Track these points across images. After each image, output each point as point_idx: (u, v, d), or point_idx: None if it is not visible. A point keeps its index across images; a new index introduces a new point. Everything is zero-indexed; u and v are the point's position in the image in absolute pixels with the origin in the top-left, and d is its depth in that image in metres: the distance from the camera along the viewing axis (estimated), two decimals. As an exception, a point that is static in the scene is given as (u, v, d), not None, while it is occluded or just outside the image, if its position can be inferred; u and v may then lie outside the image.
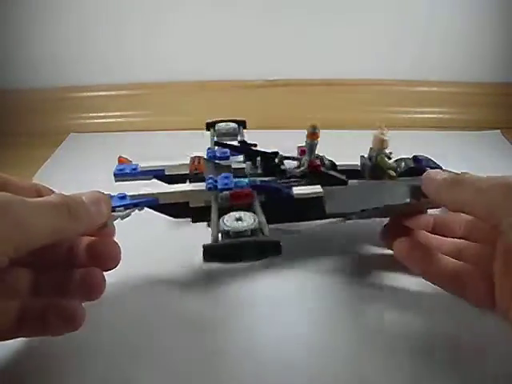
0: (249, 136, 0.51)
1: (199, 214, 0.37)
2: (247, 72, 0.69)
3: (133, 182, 0.43)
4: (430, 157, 0.44)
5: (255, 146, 0.43)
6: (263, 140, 0.60)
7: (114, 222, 0.35)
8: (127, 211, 0.36)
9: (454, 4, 0.64)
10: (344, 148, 0.57)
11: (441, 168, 0.43)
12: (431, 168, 0.42)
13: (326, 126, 0.65)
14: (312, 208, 0.38)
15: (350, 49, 0.68)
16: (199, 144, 0.53)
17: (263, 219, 0.32)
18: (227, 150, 0.43)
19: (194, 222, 0.39)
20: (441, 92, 0.68)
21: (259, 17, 0.66)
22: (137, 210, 0.37)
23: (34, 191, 0.32)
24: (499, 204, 0.27)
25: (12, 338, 0.30)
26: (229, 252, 0.29)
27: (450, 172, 0.37)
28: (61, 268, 0.32)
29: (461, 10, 0.64)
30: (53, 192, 0.34)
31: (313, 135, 0.40)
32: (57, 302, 0.31)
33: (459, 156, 0.59)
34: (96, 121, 0.70)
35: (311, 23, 0.66)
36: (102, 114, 0.70)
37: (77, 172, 0.58)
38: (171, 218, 0.39)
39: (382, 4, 0.65)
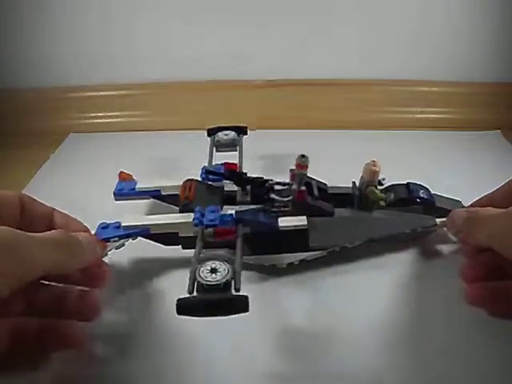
0: (249, 136, 0.52)
1: (189, 243, 0.39)
2: (247, 72, 0.69)
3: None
4: (423, 184, 0.44)
5: (245, 174, 0.44)
6: (263, 140, 0.60)
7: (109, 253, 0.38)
8: (121, 241, 0.39)
9: (454, 4, 0.64)
10: (344, 148, 0.57)
11: (433, 198, 0.43)
12: (423, 198, 0.43)
13: (326, 126, 0.66)
14: (296, 240, 0.40)
15: (350, 49, 0.68)
16: (199, 144, 0.53)
17: (239, 267, 0.32)
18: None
19: (184, 249, 0.41)
20: (441, 92, 0.68)
21: (259, 16, 0.66)
22: (130, 240, 0.40)
23: (49, 215, 0.35)
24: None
25: (5, 359, 0.30)
26: (199, 308, 0.30)
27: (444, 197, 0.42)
28: (53, 287, 0.34)
29: (461, 9, 0.64)
30: (73, 220, 0.37)
31: (302, 166, 0.40)
32: (55, 323, 0.31)
33: (459, 156, 0.59)
34: (96, 121, 0.70)
35: (311, 23, 0.66)
36: (102, 114, 0.70)
37: (77, 172, 0.58)
38: (163, 246, 0.41)
39: (382, 4, 0.65)
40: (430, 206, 0.43)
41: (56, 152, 0.63)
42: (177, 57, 0.69)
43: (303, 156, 0.40)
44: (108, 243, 0.38)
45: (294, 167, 0.41)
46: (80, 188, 0.54)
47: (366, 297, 0.39)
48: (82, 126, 0.69)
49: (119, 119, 0.70)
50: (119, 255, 0.40)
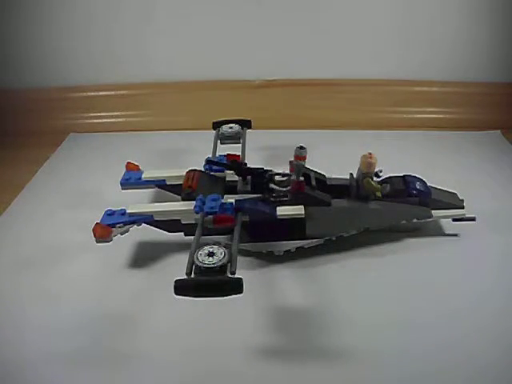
0: (250, 136, 0.52)
1: (191, 230, 0.40)
2: (247, 72, 0.69)
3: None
4: (420, 176, 0.45)
5: (245, 164, 0.45)
6: (264, 140, 0.60)
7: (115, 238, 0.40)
8: (126, 227, 0.41)
9: (454, 5, 0.64)
10: (344, 148, 0.57)
11: (429, 190, 0.44)
12: (419, 190, 0.43)
13: (326, 125, 0.66)
14: (294, 228, 0.41)
15: (350, 49, 0.68)
16: (199, 143, 0.53)
17: (235, 252, 0.34)
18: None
19: (186, 235, 0.43)
20: (441, 92, 0.68)
21: (259, 17, 0.66)
22: (135, 226, 0.42)
23: None
24: None
25: None
26: (196, 289, 0.31)
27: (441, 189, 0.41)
28: None
29: (461, 10, 0.64)
30: None
31: (299, 157, 0.41)
32: None
33: (459, 156, 0.59)
34: (96, 121, 0.70)
35: (311, 23, 0.66)
36: (102, 114, 0.70)
37: (77, 172, 0.58)
38: (166, 233, 0.43)
39: (382, 4, 0.65)
40: (426, 197, 0.43)
41: (56, 152, 0.63)
42: (177, 57, 0.69)
43: (301, 147, 0.41)
44: (113, 229, 0.40)
45: (292, 159, 0.42)
46: (80, 187, 0.55)
47: (360, 283, 0.40)
48: (82, 126, 0.69)
49: (119, 119, 0.70)
50: (124, 240, 0.42)
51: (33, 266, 0.43)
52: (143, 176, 0.47)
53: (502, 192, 0.51)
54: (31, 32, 0.67)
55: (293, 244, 0.42)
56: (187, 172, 0.45)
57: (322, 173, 0.45)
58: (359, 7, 0.65)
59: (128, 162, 0.50)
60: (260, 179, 0.42)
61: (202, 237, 0.36)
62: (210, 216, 0.38)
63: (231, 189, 0.44)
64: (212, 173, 0.46)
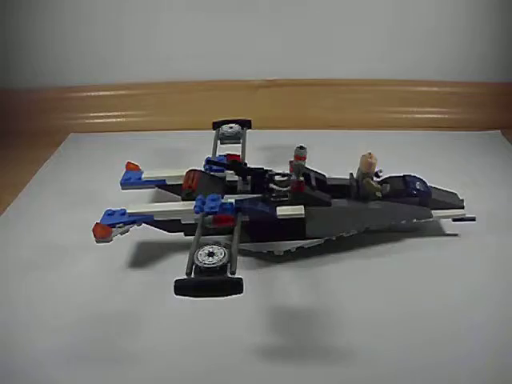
0: (250, 136, 0.52)
1: (191, 230, 0.40)
2: (247, 72, 0.69)
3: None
4: (420, 176, 0.45)
5: (245, 164, 0.45)
6: (264, 140, 0.60)
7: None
8: (126, 227, 0.41)
9: (453, 5, 0.64)
10: (344, 148, 0.57)
11: (429, 190, 0.44)
12: (419, 190, 0.43)
13: (325, 125, 0.66)
14: (294, 228, 0.41)
15: (350, 49, 0.68)
16: (199, 143, 0.53)
17: (235, 252, 0.34)
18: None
19: (186, 235, 0.43)
20: (441, 92, 0.68)
21: (259, 17, 0.66)
22: (135, 226, 0.42)
23: None
24: None
25: None
26: (196, 289, 0.32)
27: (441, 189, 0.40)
28: None
29: (460, 10, 0.64)
30: None
31: (299, 157, 0.41)
32: None
33: (459, 156, 0.59)
34: (96, 121, 0.70)
35: (311, 23, 0.66)
36: (102, 114, 0.70)
37: (77, 172, 0.58)
38: (166, 233, 0.43)
39: (382, 4, 0.65)
40: (426, 197, 0.44)
41: (56, 152, 0.63)
42: (177, 57, 0.69)
43: (301, 147, 0.41)
44: (113, 229, 0.40)
45: (292, 159, 0.42)
46: (80, 187, 0.55)
47: (360, 283, 0.41)
48: (82, 126, 0.69)
49: (119, 119, 0.70)
50: (124, 240, 0.42)
51: (33, 266, 0.43)
52: (143, 176, 0.47)
53: (502, 192, 0.51)
54: (31, 32, 0.67)
55: (293, 244, 0.42)
56: (187, 172, 0.45)
57: (322, 173, 0.45)
58: (359, 7, 0.65)
59: (128, 162, 0.50)
60: (260, 179, 0.42)
61: (202, 237, 0.36)
62: (210, 216, 0.38)
63: (231, 189, 0.44)
64: (212, 173, 0.46)
